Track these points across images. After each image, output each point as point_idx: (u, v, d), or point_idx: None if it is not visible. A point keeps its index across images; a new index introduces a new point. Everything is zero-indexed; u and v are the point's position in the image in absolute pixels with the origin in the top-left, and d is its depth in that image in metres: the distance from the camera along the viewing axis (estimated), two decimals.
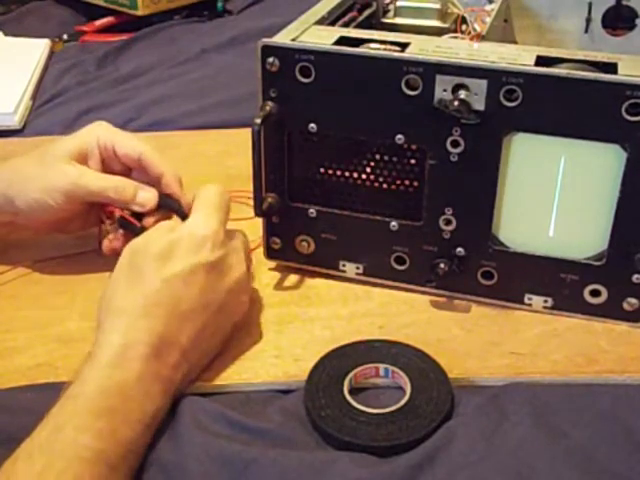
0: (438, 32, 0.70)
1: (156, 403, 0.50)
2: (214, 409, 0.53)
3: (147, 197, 0.64)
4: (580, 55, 0.58)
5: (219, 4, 1.31)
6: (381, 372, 0.56)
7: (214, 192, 0.60)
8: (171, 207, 0.65)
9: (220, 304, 0.56)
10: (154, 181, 0.66)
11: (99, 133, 0.66)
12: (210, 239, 0.56)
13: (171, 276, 0.54)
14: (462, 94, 0.56)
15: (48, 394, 0.51)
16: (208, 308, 0.55)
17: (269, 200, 0.64)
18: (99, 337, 0.52)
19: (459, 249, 0.62)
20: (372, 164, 0.62)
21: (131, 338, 0.51)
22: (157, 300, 0.53)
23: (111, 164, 0.66)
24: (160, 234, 0.57)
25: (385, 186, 0.63)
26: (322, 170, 0.64)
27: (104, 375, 0.49)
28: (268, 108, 0.61)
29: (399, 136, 0.59)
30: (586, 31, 0.75)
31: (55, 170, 0.64)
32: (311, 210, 0.65)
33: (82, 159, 0.65)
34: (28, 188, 0.63)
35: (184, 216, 0.63)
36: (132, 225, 0.64)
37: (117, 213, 0.64)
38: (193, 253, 0.55)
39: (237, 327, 0.60)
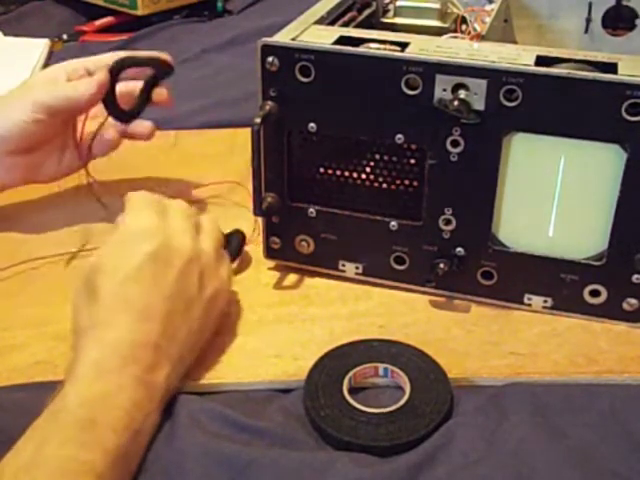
0: (438, 32, 0.70)
1: (144, 409, 0.50)
2: (213, 408, 0.52)
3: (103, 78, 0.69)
4: (580, 55, 0.58)
5: (219, 4, 1.31)
6: (380, 372, 0.56)
7: (141, 194, 0.60)
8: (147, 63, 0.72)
9: (180, 290, 0.55)
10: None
11: (66, 62, 0.71)
12: (145, 230, 0.55)
13: (121, 280, 0.53)
14: (462, 94, 0.56)
15: (46, 393, 0.51)
16: (169, 299, 0.54)
17: (269, 200, 0.64)
18: (73, 357, 0.51)
19: (459, 249, 0.62)
20: (372, 164, 0.62)
21: (102, 353, 0.50)
22: (114, 308, 0.52)
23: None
24: (104, 247, 0.57)
25: (385, 186, 0.63)
26: (322, 170, 0.64)
27: (84, 388, 0.49)
28: (268, 108, 0.61)
29: (399, 136, 0.59)
30: (586, 31, 0.75)
31: (30, 90, 0.68)
32: (311, 210, 0.65)
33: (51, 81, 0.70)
34: (5, 110, 0.67)
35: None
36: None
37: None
38: (132, 253, 0.54)
39: (227, 315, 0.60)
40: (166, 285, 0.54)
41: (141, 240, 0.55)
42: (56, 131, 0.71)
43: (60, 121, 0.70)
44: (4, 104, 0.69)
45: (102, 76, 0.68)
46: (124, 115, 0.71)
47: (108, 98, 0.69)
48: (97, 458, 0.45)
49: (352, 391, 0.55)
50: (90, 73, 0.70)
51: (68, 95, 0.68)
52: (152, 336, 0.52)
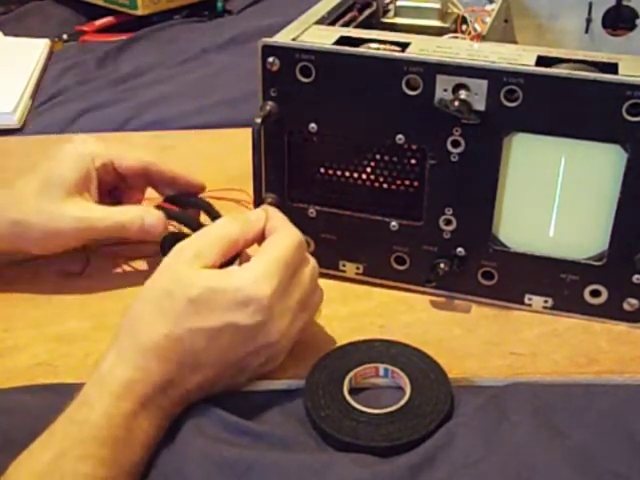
0: (438, 32, 0.70)
1: (156, 428, 0.50)
2: (213, 411, 0.52)
3: (154, 223, 0.64)
4: (580, 55, 0.58)
5: (219, 4, 1.31)
6: (381, 372, 0.56)
7: (288, 243, 0.54)
8: (199, 206, 0.68)
9: (240, 363, 0.53)
10: (164, 184, 0.69)
11: (93, 155, 0.66)
12: (255, 303, 0.50)
13: (198, 328, 0.50)
14: (462, 94, 0.56)
15: (47, 395, 0.51)
16: (223, 364, 0.52)
17: (269, 200, 0.64)
18: (109, 357, 0.50)
19: (459, 249, 0.62)
20: (372, 164, 0.62)
21: (140, 376, 0.49)
22: (176, 347, 0.50)
23: (107, 178, 0.67)
24: (209, 275, 0.52)
25: (385, 186, 0.62)
26: (322, 170, 0.64)
27: (111, 404, 0.48)
28: (268, 108, 0.61)
29: (399, 136, 0.59)
30: (586, 31, 0.75)
31: (59, 213, 0.63)
32: (311, 210, 0.65)
33: (83, 187, 0.65)
34: (34, 231, 0.63)
35: (204, 209, 0.68)
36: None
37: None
38: (229, 311, 0.50)
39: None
40: (233, 356, 0.52)
41: (246, 307, 0.50)
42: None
43: None
44: (45, 222, 0.63)
45: (159, 228, 0.65)
46: None
47: None
48: (112, 475, 0.46)
49: (352, 392, 0.55)
50: (117, 171, 0.67)
51: (104, 232, 0.64)
52: (188, 383, 0.51)
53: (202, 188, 0.70)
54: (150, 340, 0.50)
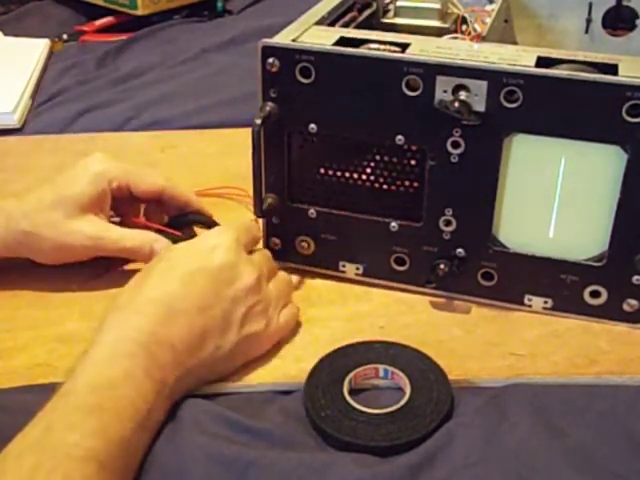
0: (438, 32, 0.70)
1: (149, 402, 0.50)
2: (214, 410, 0.52)
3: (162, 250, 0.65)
4: (580, 56, 0.58)
5: (219, 4, 1.31)
6: (381, 373, 0.56)
7: (242, 221, 0.63)
8: (202, 222, 0.69)
9: (223, 312, 0.55)
10: (175, 208, 0.70)
11: (111, 176, 0.66)
12: (220, 247, 0.57)
13: (171, 276, 0.55)
14: (462, 95, 0.56)
15: (47, 395, 0.51)
16: (207, 314, 0.54)
17: (269, 201, 0.64)
18: (95, 335, 0.52)
19: (459, 250, 0.62)
20: (372, 165, 0.62)
21: (121, 334, 0.51)
22: (151, 298, 0.53)
23: (120, 198, 0.68)
24: (184, 243, 0.59)
25: (385, 187, 0.63)
26: (322, 171, 0.64)
27: (94, 372, 0.49)
28: (268, 108, 0.61)
29: (399, 137, 0.59)
30: (586, 31, 0.75)
31: (71, 229, 0.64)
32: (311, 211, 0.65)
33: (97, 207, 0.65)
34: (45, 243, 0.64)
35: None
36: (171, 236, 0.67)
37: (154, 227, 0.69)
38: (199, 258, 0.56)
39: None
40: (213, 301, 0.55)
41: (215, 251, 0.57)
42: None
43: None
44: (57, 236, 0.64)
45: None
46: None
47: None
48: (101, 446, 0.45)
49: (352, 392, 0.55)
50: (131, 192, 0.67)
51: (117, 252, 0.66)
52: (174, 338, 0.52)
53: (209, 217, 0.72)
54: (129, 301, 0.54)
